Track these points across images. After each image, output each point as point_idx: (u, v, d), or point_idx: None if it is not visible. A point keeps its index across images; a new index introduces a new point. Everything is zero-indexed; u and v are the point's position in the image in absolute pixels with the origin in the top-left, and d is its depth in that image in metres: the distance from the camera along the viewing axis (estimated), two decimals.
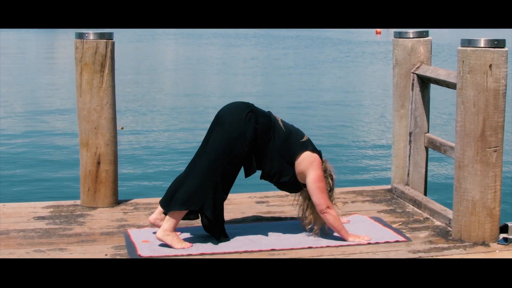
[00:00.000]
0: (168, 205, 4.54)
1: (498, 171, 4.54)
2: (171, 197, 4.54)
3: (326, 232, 4.71)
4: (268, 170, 4.57)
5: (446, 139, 5.42)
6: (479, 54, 4.45)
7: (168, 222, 4.51)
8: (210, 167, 4.46)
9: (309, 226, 4.70)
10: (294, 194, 4.81)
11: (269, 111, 4.69)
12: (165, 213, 4.58)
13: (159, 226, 4.64)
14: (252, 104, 4.63)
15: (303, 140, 4.61)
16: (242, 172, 4.64)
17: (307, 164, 4.55)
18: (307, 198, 4.66)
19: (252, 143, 4.49)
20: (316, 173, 4.54)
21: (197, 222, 4.73)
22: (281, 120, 4.67)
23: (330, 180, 4.66)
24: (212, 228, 4.56)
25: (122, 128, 12.88)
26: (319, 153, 4.64)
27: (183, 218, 4.57)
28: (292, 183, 4.62)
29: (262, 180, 4.68)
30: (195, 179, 4.47)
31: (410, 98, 5.59)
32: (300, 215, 4.77)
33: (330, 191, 4.65)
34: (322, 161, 4.63)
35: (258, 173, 4.66)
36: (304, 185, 4.62)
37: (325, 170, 4.64)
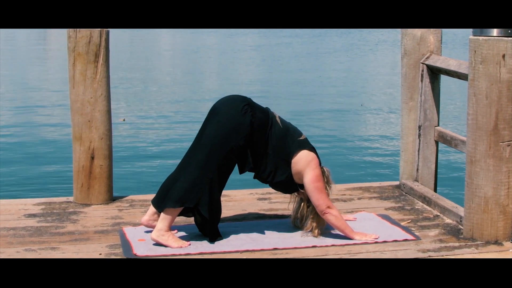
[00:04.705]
0: (161, 203, 4.47)
1: None
2: (164, 195, 4.48)
3: (329, 230, 4.63)
4: (263, 168, 4.51)
5: (457, 132, 5.36)
6: (491, 43, 4.39)
7: (162, 221, 4.42)
8: (205, 161, 4.40)
9: (308, 230, 4.62)
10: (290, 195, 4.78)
11: (267, 107, 4.63)
12: (159, 212, 4.49)
13: (153, 227, 4.56)
14: (250, 99, 4.57)
15: (301, 138, 4.56)
16: (236, 169, 4.59)
17: (304, 163, 4.49)
18: (306, 199, 4.61)
19: (248, 137, 4.43)
20: (314, 173, 4.48)
21: None
22: (279, 117, 4.61)
23: (326, 186, 4.59)
24: (206, 227, 4.49)
25: (124, 120, 12.77)
26: (316, 153, 4.57)
27: (179, 215, 4.49)
28: (288, 183, 4.56)
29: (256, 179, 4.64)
30: (191, 175, 4.40)
31: (419, 89, 5.54)
32: (292, 216, 4.74)
33: None
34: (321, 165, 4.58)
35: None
36: (300, 186, 4.57)
37: (322, 172, 4.57)
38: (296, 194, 4.70)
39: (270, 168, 4.50)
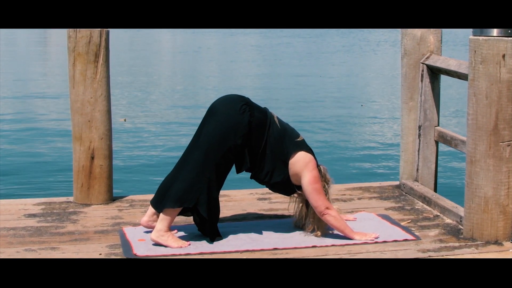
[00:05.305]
0: (160, 204, 4.46)
1: None
2: (162, 195, 4.46)
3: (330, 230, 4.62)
4: (260, 168, 4.50)
5: (457, 132, 5.33)
6: (491, 43, 4.38)
7: (161, 221, 4.41)
8: (203, 161, 4.38)
9: (310, 230, 4.62)
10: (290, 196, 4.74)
11: (265, 107, 4.61)
12: (158, 213, 4.48)
13: (152, 228, 4.54)
14: (248, 98, 4.56)
15: (298, 139, 4.54)
16: (234, 169, 4.57)
17: (302, 165, 4.48)
18: (304, 200, 4.60)
19: (245, 136, 4.41)
20: (312, 174, 4.47)
21: None
22: (277, 117, 4.59)
23: (325, 184, 4.58)
24: (205, 227, 4.48)
25: (125, 120, 12.75)
26: (313, 154, 4.56)
27: (178, 215, 4.49)
28: (285, 183, 4.54)
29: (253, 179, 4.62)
30: (189, 174, 4.39)
31: (419, 89, 5.52)
32: (294, 215, 4.73)
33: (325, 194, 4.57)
34: (317, 164, 4.57)
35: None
36: (298, 187, 4.56)
37: (319, 171, 4.56)
38: (295, 195, 4.68)
39: (267, 168, 4.48)
